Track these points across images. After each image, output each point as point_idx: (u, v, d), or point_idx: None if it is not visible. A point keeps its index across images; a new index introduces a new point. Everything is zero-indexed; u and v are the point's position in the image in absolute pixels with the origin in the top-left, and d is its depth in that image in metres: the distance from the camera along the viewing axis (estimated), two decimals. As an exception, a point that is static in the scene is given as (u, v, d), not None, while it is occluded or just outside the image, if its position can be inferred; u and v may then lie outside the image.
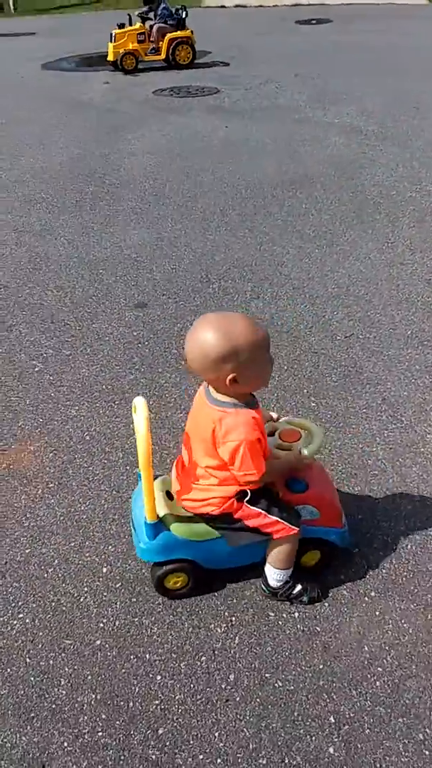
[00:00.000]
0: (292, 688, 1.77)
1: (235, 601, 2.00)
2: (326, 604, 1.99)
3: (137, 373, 3.06)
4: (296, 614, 1.96)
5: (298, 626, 1.93)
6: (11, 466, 2.55)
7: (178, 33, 10.21)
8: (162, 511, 1.89)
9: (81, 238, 4.52)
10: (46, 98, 8.66)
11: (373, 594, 2.02)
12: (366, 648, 1.87)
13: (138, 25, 10.26)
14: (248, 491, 1.84)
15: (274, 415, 2.06)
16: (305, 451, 1.90)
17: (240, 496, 1.84)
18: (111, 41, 10.07)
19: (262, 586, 1.99)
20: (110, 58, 10.18)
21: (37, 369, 3.13)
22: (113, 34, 10.03)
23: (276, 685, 1.78)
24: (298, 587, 1.97)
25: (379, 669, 1.81)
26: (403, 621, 1.94)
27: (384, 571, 2.09)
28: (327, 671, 1.81)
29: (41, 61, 11.44)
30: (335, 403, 2.85)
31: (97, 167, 5.90)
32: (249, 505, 1.85)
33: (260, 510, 1.85)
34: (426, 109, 7.26)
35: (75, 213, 4.95)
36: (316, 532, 1.97)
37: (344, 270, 3.98)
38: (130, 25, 10.25)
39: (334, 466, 2.48)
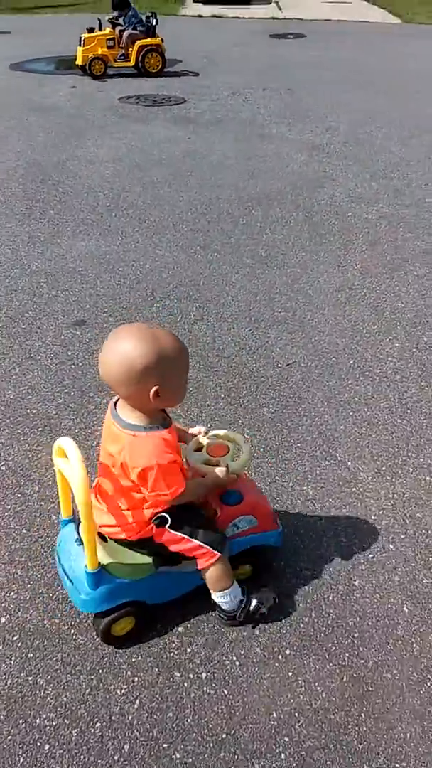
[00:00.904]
0: (190, 761, 1.63)
1: (140, 658, 1.86)
2: (237, 663, 1.86)
3: (66, 397, 2.91)
4: (204, 675, 1.82)
5: (205, 689, 1.79)
6: None
7: (148, 40, 10.07)
8: (102, 556, 1.77)
9: (26, 248, 4.34)
10: (7, 100, 8.45)
11: (287, 652, 1.89)
12: (274, 714, 1.74)
13: (108, 30, 10.10)
14: (167, 517, 1.76)
15: (202, 429, 2.00)
16: (233, 466, 1.88)
17: (160, 521, 1.77)
18: (80, 45, 9.90)
19: (219, 615, 1.91)
20: (79, 62, 10.00)
21: (-43, 389, 2.96)
22: (82, 38, 9.86)
23: (173, 756, 1.64)
24: (254, 603, 1.91)
25: (285, 739, 1.69)
26: (316, 683, 1.82)
27: (302, 625, 1.97)
28: (230, 741, 1.68)
29: (10, 61, 11.21)
30: (270, 436, 2.73)
31: (52, 174, 5.73)
32: (171, 531, 1.78)
33: (183, 535, 1.78)
34: (390, 128, 7.25)
35: (23, 221, 4.77)
36: (256, 540, 1.97)
37: (292, 293, 3.88)
38: (100, 29, 10.10)
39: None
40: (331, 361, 3.24)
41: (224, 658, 1.87)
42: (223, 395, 2.96)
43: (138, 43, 10.00)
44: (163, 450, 1.64)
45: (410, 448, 2.68)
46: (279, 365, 3.20)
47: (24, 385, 2.98)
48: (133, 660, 1.85)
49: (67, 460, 1.65)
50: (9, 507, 2.34)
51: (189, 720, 1.71)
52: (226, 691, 1.78)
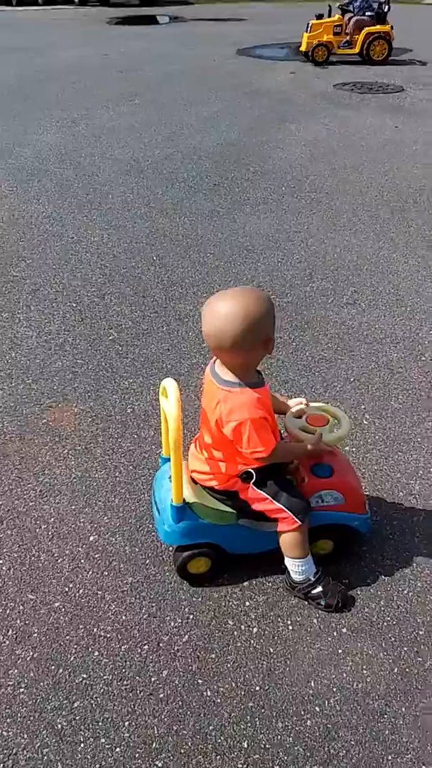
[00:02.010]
0: (219, 701, 1.70)
1: (200, 599, 1.95)
2: (290, 627, 1.88)
3: (199, 357, 3.06)
4: (255, 629, 1.87)
5: (252, 642, 1.84)
6: (51, 423, 2.67)
7: (377, 27, 9.88)
8: (187, 494, 1.89)
9: (203, 221, 4.56)
10: (227, 82, 8.81)
11: (344, 630, 1.87)
12: (312, 684, 1.74)
13: (337, 16, 10.07)
14: (253, 473, 1.81)
15: (303, 400, 2.03)
16: (327, 437, 1.89)
17: (245, 477, 1.83)
18: (306, 31, 9.99)
19: (286, 579, 1.96)
20: (302, 48, 10.11)
21: (110, 338, 3.23)
22: (309, 25, 9.95)
23: (205, 693, 1.71)
24: (318, 589, 1.91)
25: (316, 708, 1.68)
26: (364, 667, 1.78)
27: (367, 609, 1.93)
28: (261, 694, 1.71)
29: (238, 46, 11.67)
30: (391, 426, 2.65)
31: (248, 154, 5.92)
32: (255, 488, 1.84)
33: (266, 495, 1.83)
34: None
35: (208, 196, 5.01)
36: (339, 518, 1.96)
37: (460, 290, 3.67)
38: (330, 16, 10.10)
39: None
40: None
41: (279, 620, 1.89)
42: (353, 379, 2.92)
43: (365, 30, 9.85)
44: (255, 406, 1.70)
45: None
46: (423, 358, 3.08)
47: (166, 342, 3.18)
48: (194, 599, 1.95)
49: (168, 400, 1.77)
50: (124, 445, 2.55)
51: (229, 665, 1.78)
52: (271, 650, 1.82)
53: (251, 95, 8.11)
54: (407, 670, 1.77)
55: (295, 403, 2.02)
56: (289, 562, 1.92)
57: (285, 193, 5.03)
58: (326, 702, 1.70)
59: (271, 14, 16.27)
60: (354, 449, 2.51)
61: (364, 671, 1.77)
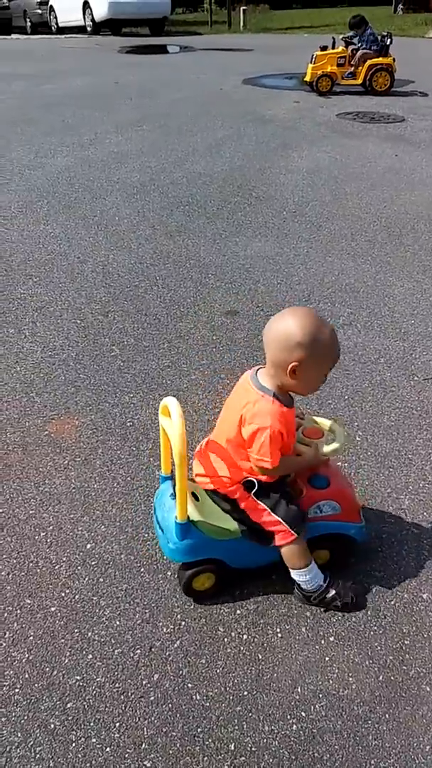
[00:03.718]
0: (207, 704, 1.74)
1: (192, 606, 2.00)
2: (279, 635, 1.93)
3: (199, 374, 3.13)
4: (245, 636, 1.92)
5: (241, 648, 1.89)
6: (52, 434, 2.74)
7: (380, 59, 10.13)
8: (191, 511, 1.93)
9: (206, 244, 4.67)
10: (232, 110, 9.01)
11: (331, 639, 1.92)
12: (299, 689, 1.78)
13: (341, 48, 10.33)
14: (255, 482, 1.89)
15: (301, 413, 2.10)
16: (324, 449, 1.95)
17: (248, 486, 1.90)
18: (311, 62, 10.24)
19: (297, 591, 2.00)
20: (307, 78, 10.35)
21: (113, 354, 3.32)
22: (314, 56, 10.20)
23: (194, 696, 1.76)
24: (332, 592, 1.96)
25: (302, 713, 1.73)
26: (350, 675, 1.82)
27: (354, 618, 1.98)
28: (249, 699, 1.76)
29: (245, 75, 11.94)
30: (383, 442, 2.71)
31: (251, 179, 6.06)
32: (256, 498, 1.90)
33: (265, 506, 1.90)
34: None
35: (211, 219, 5.13)
36: (337, 527, 2.03)
37: (456, 314, 3.76)
38: (333, 48, 10.35)
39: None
40: None
41: (269, 628, 1.94)
42: (347, 397, 2.99)
43: (369, 61, 10.09)
44: (279, 419, 1.78)
45: None
46: (416, 377, 3.15)
47: (167, 359, 3.27)
48: (186, 606, 2.00)
49: (168, 418, 1.83)
50: (123, 456, 2.61)
51: (218, 670, 1.82)
52: (260, 656, 1.86)
53: (256, 123, 8.31)
54: (392, 678, 1.82)
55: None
56: (295, 574, 1.96)
57: (286, 218, 5.15)
58: (312, 707, 1.74)
59: (276, 46, 16.66)
60: (346, 464, 2.57)
61: (350, 678, 1.82)
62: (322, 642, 1.91)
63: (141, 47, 16.92)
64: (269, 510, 1.90)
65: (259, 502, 1.90)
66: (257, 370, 1.88)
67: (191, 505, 1.93)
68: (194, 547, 1.94)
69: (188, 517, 1.90)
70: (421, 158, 6.81)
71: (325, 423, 2.07)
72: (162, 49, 16.84)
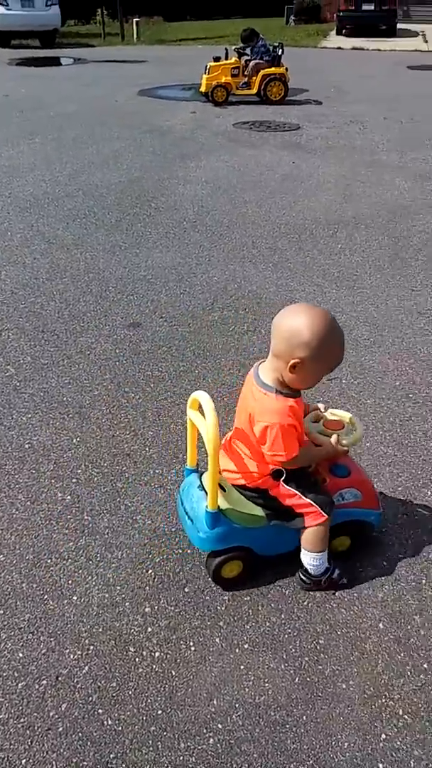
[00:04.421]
0: (119, 728, 1.68)
1: (101, 629, 1.93)
2: (192, 649, 1.89)
3: (102, 390, 3.06)
4: (157, 654, 1.87)
5: (153, 667, 1.83)
6: None
7: (272, 69, 10.37)
8: (221, 503, 1.95)
9: (105, 256, 4.60)
10: (129, 122, 8.98)
11: (246, 646, 1.90)
12: (215, 702, 1.75)
13: (233, 59, 10.50)
14: (284, 471, 1.93)
15: (321, 405, 2.15)
16: (344, 440, 2.01)
17: (276, 474, 1.94)
18: (205, 73, 10.35)
19: (302, 577, 2.05)
20: (202, 89, 10.45)
21: (8, 373, 3.19)
22: (208, 67, 10.32)
23: (105, 722, 1.69)
24: (337, 571, 2.05)
25: (219, 726, 1.69)
26: (265, 680, 1.81)
27: (268, 623, 1.96)
28: (163, 718, 1.71)
29: (140, 87, 11.93)
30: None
31: (149, 190, 6.04)
32: (284, 485, 1.95)
33: (295, 491, 1.95)
34: None
35: (110, 231, 5.06)
36: (358, 514, 2.11)
37: (355, 313, 3.86)
38: (227, 59, 10.52)
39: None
40: (375, 381, 3.19)
41: (181, 643, 1.90)
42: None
43: (262, 72, 10.31)
44: (287, 414, 1.82)
45: None
46: (324, 382, 3.19)
47: (67, 376, 3.17)
48: (94, 630, 1.93)
49: (197, 412, 1.93)
50: (21, 480, 2.51)
51: (130, 692, 1.76)
52: (173, 673, 1.82)
53: (153, 134, 8.30)
54: (307, 678, 1.82)
55: (314, 408, 2.14)
56: (307, 557, 2.01)
57: (186, 228, 5.15)
58: (228, 718, 1.71)
59: (171, 57, 16.77)
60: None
61: (266, 684, 1.80)
62: (237, 651, 1.89)
63: (32, 59, 16.61)
64: (299, 494, 1.94)
65: (288, 488, 1.95)
66: (259, 365, 1.92)
67: (220, 496, 1.96)
68: (224, 536, 1.98)
69: (218, 508, 1.92)
70: (317, 164, 6.99)
71: (345, 415, 2.14)
72: (55, 62, 16.58)
